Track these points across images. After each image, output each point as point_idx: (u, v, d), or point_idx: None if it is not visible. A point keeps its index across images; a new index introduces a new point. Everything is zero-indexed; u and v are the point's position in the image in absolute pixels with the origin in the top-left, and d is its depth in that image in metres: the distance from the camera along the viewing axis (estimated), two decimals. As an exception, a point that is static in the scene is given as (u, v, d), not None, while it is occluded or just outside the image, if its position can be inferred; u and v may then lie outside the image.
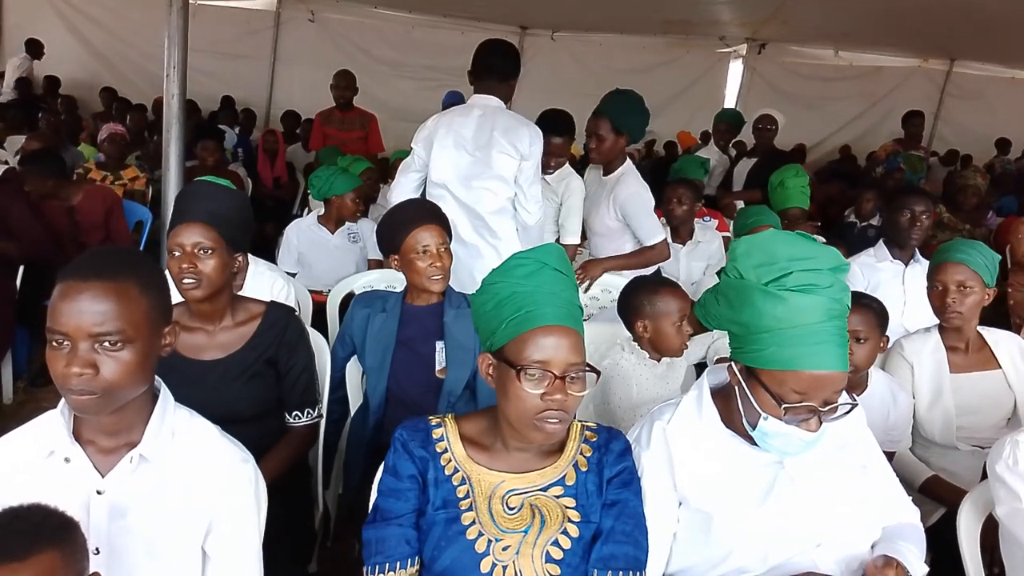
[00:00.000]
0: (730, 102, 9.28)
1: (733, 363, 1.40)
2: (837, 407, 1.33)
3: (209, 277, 1.84)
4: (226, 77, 8.56)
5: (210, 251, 1.84)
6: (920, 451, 2.37)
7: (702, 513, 1.39)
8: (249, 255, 2.59)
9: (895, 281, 3.18)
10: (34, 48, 8.55)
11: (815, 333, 1.29)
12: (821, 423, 1.32)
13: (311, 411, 2.05)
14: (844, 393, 1.34)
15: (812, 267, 1.30)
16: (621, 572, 1.32)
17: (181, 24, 4.10)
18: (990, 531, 1.68)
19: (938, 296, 2.34)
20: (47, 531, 1.06)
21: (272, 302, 2.08)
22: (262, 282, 2.57)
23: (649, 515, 1.40)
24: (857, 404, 1.33)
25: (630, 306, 2.19)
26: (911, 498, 2.22)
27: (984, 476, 2.12)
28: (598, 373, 1.33)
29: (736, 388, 1.40)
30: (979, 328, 2.40)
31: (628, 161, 3.34)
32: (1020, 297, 4.24)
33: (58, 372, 1.19)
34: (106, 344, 1.19)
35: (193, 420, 1.38)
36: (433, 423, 1.42)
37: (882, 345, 2.19)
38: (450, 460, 1.38)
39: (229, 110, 7.28)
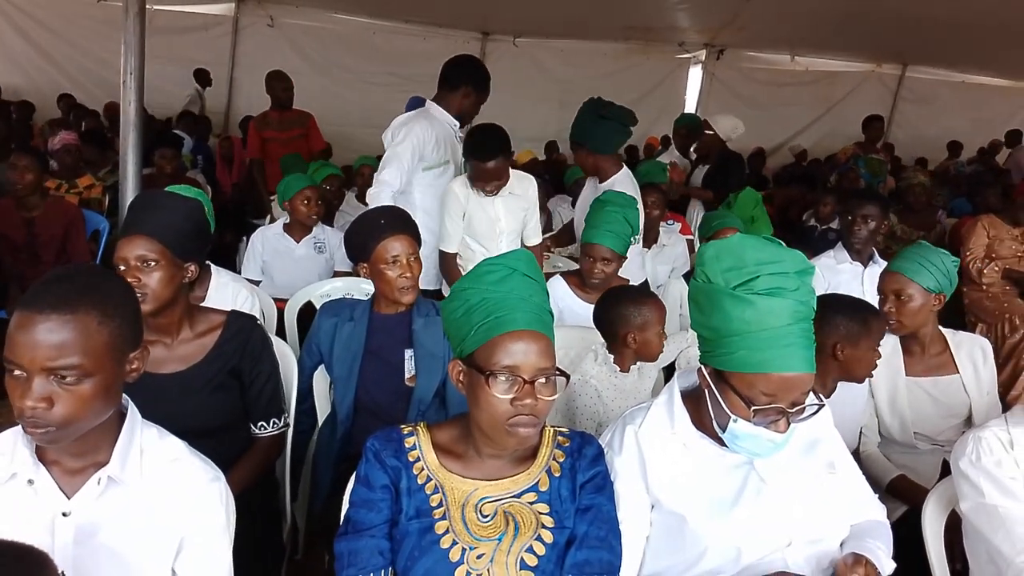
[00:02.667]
0: (690, 107, 9.41)
1: (703, 366, 1.41)
2: (804, 408, 1.34)
3: (154, 291, 1.79)
4: (186, 84, 8.41)
5: (153, 264, 1.79)
6: (883, 448, 2.42)
7: (675, 515, 1.40)
8: (213, 265, 2.59)
9: (855, 282, 3.26)
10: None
11: (783, 336, 1.30)
12: (789, 424, 1.33)
13: (277, 421, 2.01)
14: (812, 394, 1.36)
15: (779, 271, 1.32)
16: (595, 578, 1.32)
17: (137, 30, 4.02)
18: (952, 528, 1.71)
19: (880, 304, 2.39)
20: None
21: (234, 311, 2.03)
22: (225, 292, 2.52)
23: (622, 519, 1.40)
24: (824, 405, 1.35)
25: (616, 317, 2.18)
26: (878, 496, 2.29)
27: (944, 473, 2.17)
28: (567, 377, 1.33)
29: (706, 391, 1.41)
30: (944, 330, 2.45)
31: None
32: (975, 296, 4.36)
33: (15, 402, 1.15)
34: (64, 378, 1.15)
35: (163, 439, 1.35)
36: (405, 432, 1.40)
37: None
38: (423, 469, 1.36)
39: (187, 117, 7.14)
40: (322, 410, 2.27)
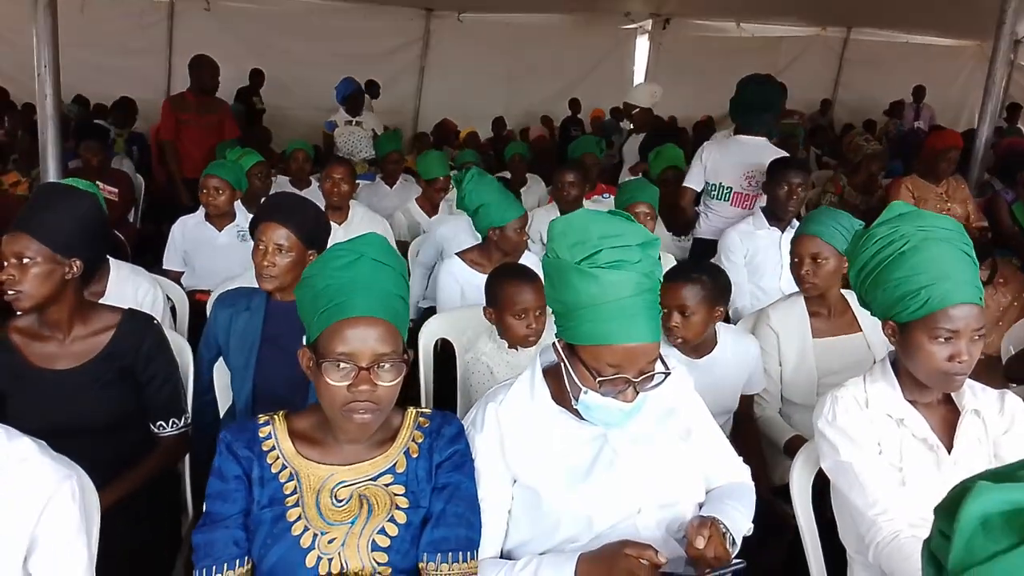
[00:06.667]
0: (639, 77, 9.43)
1: (556, 340, 1.43)
2: (653, 376, 1.37)
3: (29, 288, 1.78)
4: (121, 72, 8.22)
5: (29, 261, 1.78)
6: (786, 410, 2.48)
7: (532, 489, 1.43)
8: (112, 259, 2.56)
9: (773, 247, 3.30)
10: None
11: (627, 307, 1.32)
12: (637, 393, 1.36)
13: (177, 421, 2.02)
14: (660, 363, 1.38)
15: (621, 244, 1.33)
16: (451, 553, 1.34)
17: (49, 22, 3.91)
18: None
19: (795, 268, 2.44)
20: None
21: (129, 310, 2.03)
22: (126, 286, 2.50)
23: (483, 495, 1.43)
24: (670, 372, 1.37)
25: (486, 293, 2.20)
26: (778, 457, 2.35)
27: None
28: (407, 362, 1.34)
29: (562, 365, 1.43)
30: (843, 291, 2.50)
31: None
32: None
33: None
34: None
35: (11, 440, 1.34)
36: (261, 422, 1.41)
37: (716, 315, 2.23)
38: (278, 458, 1.37)
39: (122, 108, 6.97)
40: (224, 402, 2.26)
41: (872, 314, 1.62)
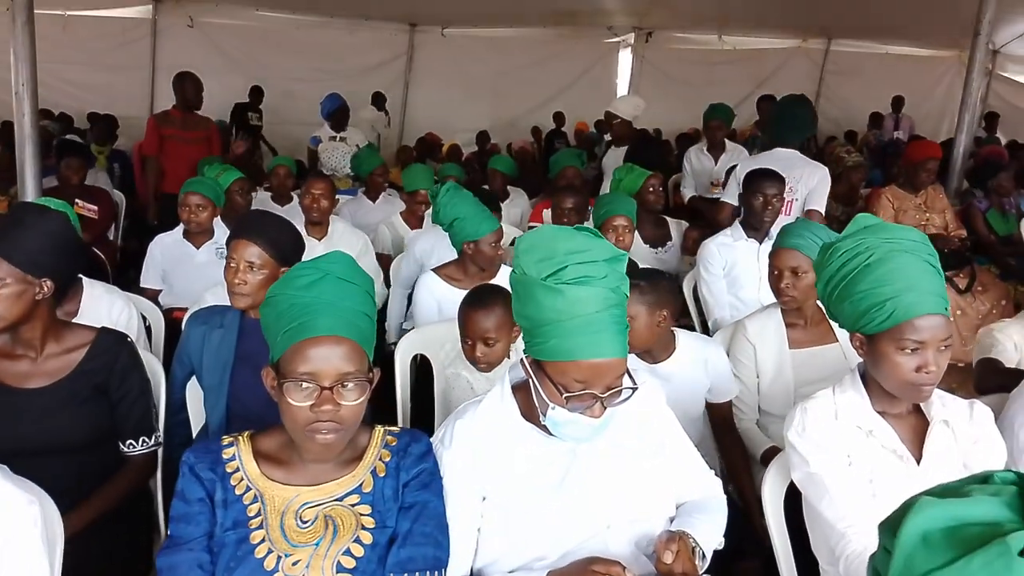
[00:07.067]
0: (622, 90, 9.49)
1: (524, 357, 1.43)
2: (621, 391, 1.36)
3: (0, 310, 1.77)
4: (104, 89, 8.22)
5: None
6: (763, 421, 2.48)
7: (501, 507, 1.42)
8: (85, 279, 2.54)
9: (751, 259, 3.31)
10: None
11: (593, 323, 1.32)
12: (605, 408, 1.35)
13: (147, 440, 2.00)
14: (627, 377, 1.38)
15: (587, 259, 1.33)
16: (418, 573, 1.33)
17: (27, 40, 3.92)
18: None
19: (774, 280, 2.44)
20: None
21: (103, 328, 2.02)
22: (99, 305, 2.48)
23: (452, 514, 1.42)
24: (638, 388, 1.37)
25: (459, 320, 2.20)
26: (755, 468, 2.34)
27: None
28: (371, 382, 1.33)
29: (529, 381, 1.42)
30: (819, 303, 2.51)
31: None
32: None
33: None
34: None
35: None
36: (225, 443, 1.40)
37: (660, 319, 2.20)
38: (242, 479, 1.36)
39: (102, 124, 6.95)
40: (197, 421, 2.24)
41: (840, 326, 1.63)
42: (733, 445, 2.41)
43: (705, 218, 4.59)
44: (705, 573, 1.35)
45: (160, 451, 2.07)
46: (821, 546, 1.64)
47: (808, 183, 3.99)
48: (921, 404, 1.61)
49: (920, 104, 9.96)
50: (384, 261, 4.00)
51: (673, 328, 2.34)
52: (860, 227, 1.54)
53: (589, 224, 3.35)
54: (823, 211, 3.96)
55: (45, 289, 1.86)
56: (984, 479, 0.71)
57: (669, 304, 2.24)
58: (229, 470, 1.36)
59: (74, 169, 4.73)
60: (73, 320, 2.28)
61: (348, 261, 1.41)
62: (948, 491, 0.69)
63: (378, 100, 8.68)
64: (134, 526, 2.04)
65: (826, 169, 4.09)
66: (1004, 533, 0.59)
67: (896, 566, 0.62)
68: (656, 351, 2.28)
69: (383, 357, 2.49)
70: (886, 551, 0.65)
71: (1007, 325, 2.34)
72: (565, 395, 1.32)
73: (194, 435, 2.24)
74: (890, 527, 0.65)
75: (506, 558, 1.42)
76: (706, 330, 3.31)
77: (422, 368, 2.60)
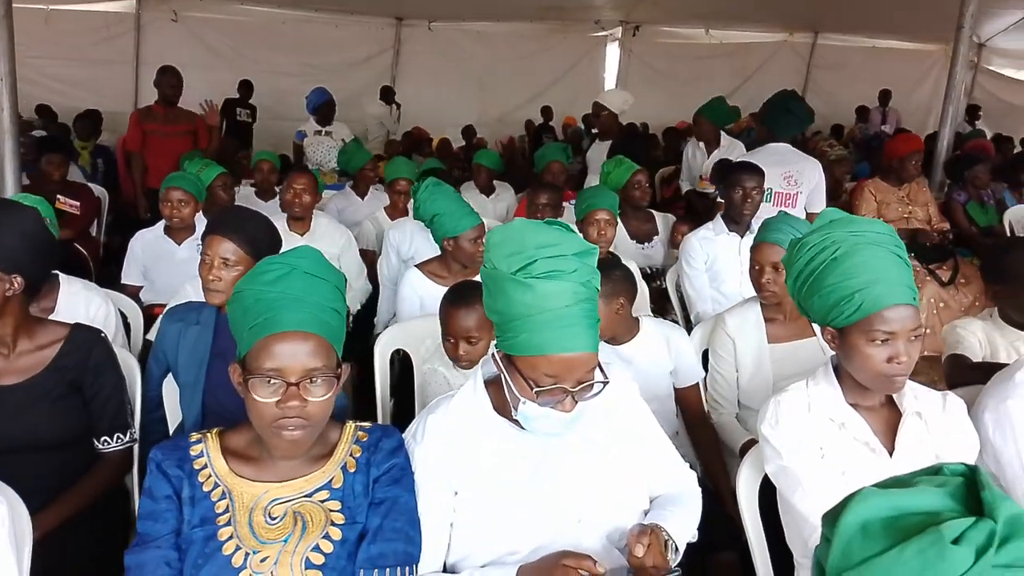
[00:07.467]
0: (610, 84, 9.49)
1: (496, 352, 1.43)
2: (592, 385, 1.36)
3: None
4: (88, 84, 8.16)
5: None
6: (743, 415, 2.49)
7: (474, 501, 1.42)
8: (61, 275, 2.52)
9: (732, 252, 3.32)
10: None
11: (563, 317, 1.32)
12: (576, 403, 1.35)
13: (122, 436, 1.99)
14: (599, 371, 1.38)
15: (557, 253, 1.33)
16: (389, 569, 1.33)
17: (6, 34, 3.88)
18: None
19: (755, 275, 2.44)
20: None
21: (77, 324, 2.01)
22: (77, 301, 2.45)
23: (423, 509, 1.41)
24: (609, 382, 1.37)
25: (440, 315, 2.19)
26: (735, 462, 2.35)
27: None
28: (339, 378, 1.32)
29: (501, 376, 1.42)
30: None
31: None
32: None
33: None
34: None
35: None
36: (193, 440, 1.39)
37: (617, 308, 2.28)
38: (210, 476, 1.35)
39: (86, 120, 6.89)
40: (174, 419, 2.23)
41: (812, 321, 1.63)
42: (704, 433, 2.43)
43: (698, 212, 4.60)
44: (678, 567, 1.35)
45: (136, 448, 2.06)
46: (795, 539, 1.65)
47: (810, 179, 4.02)
48: (894, 396, 1.62)
49: (907, 98, 10.00)
50: (369, 257, 3.99)
51: (637, 316, 2.42)
52: (826, 221, 1.55)
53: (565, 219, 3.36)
54: (822, 207, 4.00)
55: (15, 286, 1.84)
56: (935, 471, 0.71)
57: (625, 292, 2.30)
58: (197, 467, 1.35)
59: (56, 165, 4.69)
60: (50, 317, 2.26)
61: (316, 255, 1.41)
62: (899, 483, 0.70)
63: (387, 95, 8.61)
64: (109, 523, 2.03)
65: (820, 165, 4.16)
66: (942, 522, 0.59)
67: (834, 555, 0.62)
68: (619, 335, 2.36)
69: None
70: (827, 541, 0.66)
71: (970, 321, 2.35)
72: (536, 389, 1.32)
73: (171, 432, 2.23)
74: (832, 517, 0.66)
75: (478, 553, 1.42)
76: (689, 324, 3.31)
77: (406, 364, 2.59)
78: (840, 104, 10.18)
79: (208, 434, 1.41)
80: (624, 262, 3.24)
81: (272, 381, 1.26)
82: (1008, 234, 4.77)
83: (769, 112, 4.25)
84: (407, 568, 1.35)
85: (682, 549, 1.47)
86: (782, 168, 3.97)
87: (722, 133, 5.22)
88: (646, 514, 1.50)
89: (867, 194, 4.49)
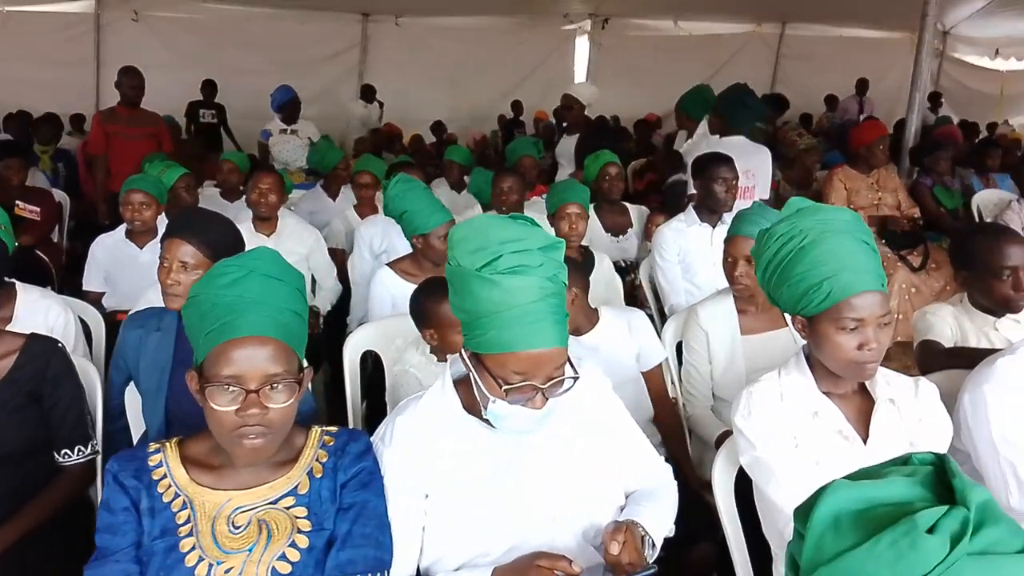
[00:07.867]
0: (580, 78, 9.47)
1: (464, 350, 1.40)
2: (563, 381, 1.34)
3: None
4: (48, 86, 7.97)
5: None
6: (718, 407, 2.48)
7: (444, 502, 1.39)
8: (18, 283, 2.45)
9: (704, 244, 3.31)
10: None
11: (529, 313, 1.29)
12: (546, 399, 1.32)
13: (83, 448, 1.93)
14: (569, 367, 1.35)
15: (522, 248, 1.30)
16: (359, 576, 1.29)
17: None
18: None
19: (729, 267, 2.43)
20: None
21: (33, 334, 1.95)
22: (35, 310, 2.38)
23: (394, 513, 1.38)
24: (579, 377, 1.34)
25: (416, 312, 2.14)
26: (711, 455, 2.34)
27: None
28: (300, 383, 1.29)
29: (470, 375, 1.39)
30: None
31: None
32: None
33: None
34: None
35: None
36: (151, 450, 1.35)
37: (572, 300, 2.20)
38: (170, 486, 1.31)
39: (46, 124, 6.72)
40: (137, 427, 2.17)
41: (782, 311, 1.62)
42: (667, 415, 2.44)
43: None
44: (655, 564, 1.33)
45: (99, 460, 2.00)
46: (771, 530, 1.64)
47: (764, 172, 4.08)
48: (866, 383, 1.62)
49: (875, 86, 10.08)
50: (339, 256, 3.94)
51: (596, 307, 2.43)
52: (793, 211, 1.54)
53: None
54: (767, 196, 4.05)
55: None
56: (904, 461, 0.70)
57: (576, 282, 2.26)
58: (156, 477, 1.31)
59: (15, 170, 4.57)
60: (8, 327, 2.20)
61: (274, 256, 1.36)
62: (865, 474, 0.68)
63: (368, 93, 8.50)
64: (71, 537, 1.97)
65: (768, 151, 4.20)
66: (914, 511, 0.58)
67: (808, 550, 0.60)
68: (580, 326, 2.34)
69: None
70: (800, 536, 0.64)
71: (940, 307, 2.37)
72: (505, 387, 1.30)
73: (135, 442, 2.17)
74: (803, 512, 0.64)
75: (451, 555, 1.39)
76: (663, 316, 3.30)
77: (379, 364, 2.55)
78: (809, 94, 10.24)
79: (167, 443, 1.36)
80: (597, 256, 3.25)
81: (230, 388, 1.22)
82: (976, 219, 4.84)
83: (725, 105, 4.29)
84: (379, 574, 1.32)
85: (659, 544, 1.45)
86: (740, 162, 3.89)
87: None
88: (622, 510, 1.48)
89: (836, 182, 4.51)
